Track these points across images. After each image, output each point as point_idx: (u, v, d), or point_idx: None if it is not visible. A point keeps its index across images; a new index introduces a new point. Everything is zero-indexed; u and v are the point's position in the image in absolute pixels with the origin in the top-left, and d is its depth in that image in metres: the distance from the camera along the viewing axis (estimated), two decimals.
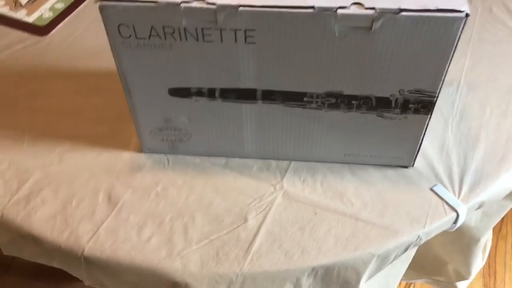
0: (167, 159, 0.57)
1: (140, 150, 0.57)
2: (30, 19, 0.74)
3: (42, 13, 0.75)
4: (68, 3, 0.77)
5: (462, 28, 0.41)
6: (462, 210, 0.52)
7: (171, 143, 0.56)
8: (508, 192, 0.57)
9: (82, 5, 0.77)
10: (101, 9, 0.43)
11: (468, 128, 0.59)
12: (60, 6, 0.76)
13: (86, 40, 0.71)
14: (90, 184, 0.54)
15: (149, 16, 0.43)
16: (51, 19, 0.74)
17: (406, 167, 0.56)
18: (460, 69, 0.66)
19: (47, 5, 0.76)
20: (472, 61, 0.67)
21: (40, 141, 0.58)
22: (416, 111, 0.49)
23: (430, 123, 0.51)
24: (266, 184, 0.54)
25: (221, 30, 0.44)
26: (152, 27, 0.44)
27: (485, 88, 0.63)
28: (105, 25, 0.44)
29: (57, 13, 0.75)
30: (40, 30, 0.72)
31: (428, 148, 0.57)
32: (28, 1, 0.77)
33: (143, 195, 0.53)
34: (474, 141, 0.58)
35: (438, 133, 0.59)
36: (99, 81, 0.65)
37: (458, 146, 0.57)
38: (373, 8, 0.41)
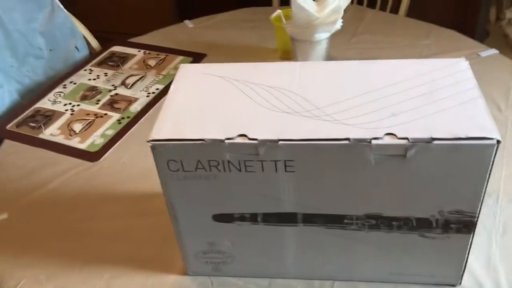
0: (211, 281, 0.58)
1: (185, 272, 0.59)
2: (83, 145, 0.80)
3: (94, 139, 0.81)
4: (118, 129, 0.83)
5: (495, 154, 0.43)
6: None
7: (215, 265, 0.57)
8: None
9: (130, 131, 0.83)
10: (153, 148, 0.47)
11: (511, 239, 0.58)
12: (111, 132, 0.83)
13: (134, 164, 0.76)
14: None
15: (196, 152, 0.47)
16: (102, 145, 0.80)
17: (453, 286, 0.55)
18: (497, 180, 0.66)
19: (99, 132, 0.83)
20: (509, 171, 0.67)
21: (89, 266, 0.61)
22: (458, 230, 0.49)
23: (473, 239, 0.50)
24: None
25: (262, 162, 0.46)
26: (198, 161, 0.47)
27: None
28: (155, 161, 0.48)
29: (107, 139, 0.81)
30: (92, 156, 0.78)
31: (474, 264, 0.56)
32: (81, 129, 0.84)
33: None
34: None
35: (483, 248, 0.58)
36: (147, 203, 0.68)
37: (504, 260, 0.56)
38: (406, 138, 0.43)
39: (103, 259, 0.61)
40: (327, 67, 0.54)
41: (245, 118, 0.48)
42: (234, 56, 0.99)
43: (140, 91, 0.93)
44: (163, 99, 0.86)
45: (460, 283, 0.54)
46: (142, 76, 0.97)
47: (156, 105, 0.88)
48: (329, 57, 0.89)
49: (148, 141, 0.46)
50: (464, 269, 0.53)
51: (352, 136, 0.44)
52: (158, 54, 1.04)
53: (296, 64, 0.55)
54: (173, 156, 0.47)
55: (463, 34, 1.04)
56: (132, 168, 0.75)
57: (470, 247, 0.51)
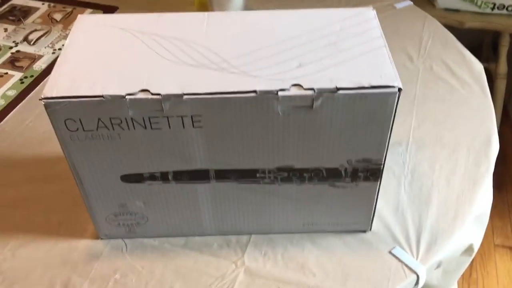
0: (125, 244, 0.56)
1: (97, 237, 0.56)
2: None
3: None
4: (20, 90, 0.77)
5: (397, 102, 0.44)
6: (422, 271, 0.52)
7: (128, 227, 0.55)
8: (464, 248, 0.58)
9: (34, 91, 0.77)
10: (47, 106, 0.43)
11: (420, 187, 0.61)
12: (12, 93, 0.77)
13: (39, 126, 0.71)
14: (45, 278, 0.52)
15: (95, 109, 0.44)
16: (2, 107, 0.74)
17: (364, 231, 0.56)
18: (408, 128, 0.68)
19: None
20: (418, 120, 0.70)
21: None
22: (366, 178, 0.50)
23: (383, 184, 0.52)
24: (227, 261, 0.54)
25: (168, 118, 0.44)
26: (99, 119, 0.44)
27: (433, 146, 0.66)
28: (51, 121, 0.44)
29: (9, 100, 0.75)
30: None
31: (384, 210, 0.58)
32: None
33: (101, 285, 0.52)
34: (427, 199, 0.59)
35: (392, 193, 0.60)
36: (53, 167, 0.64)
37: (412, 205, 0.59)
38: (311, 89, 0.43)
39: (6, 228, 0.58)
40: (236, 18, 0.52)
41: (147, 72, 0.45)
42: (149, 9, 0.94)
43: (45, 47, 0.86)
44: None
45: (370, 229, 0.56)
46: (47, 32, 0.90)
47: None
48: (249, 9, 0.87)
49: (40, 99, 0.43)
50: (373, 215, 0.55)
51: (258, 88, 0.43)
52: (64, 7, 0.97)
53: (203, 15, 0.52)
54: (70, 114, 0.44)
55: None
56: (36, 131, 0.70)
57: (377, 194, 0.52)
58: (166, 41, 0.48)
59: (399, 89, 0.43)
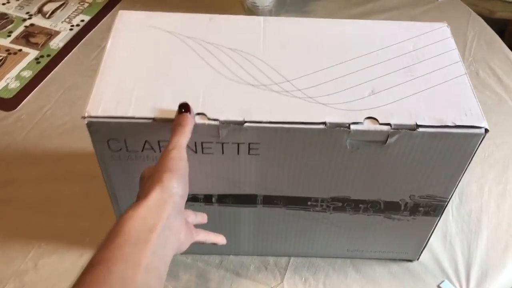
0: None
1: None
2: None
3: (8, 82, 0.69)
4: (37, 70, 0.71)
5: (481, 142, 0.39)
6: None
7: None
8: None
9: (52, 73, 0.71)
10: (89, 125, 0.38)
11: (468, 213, 0.57)
12: (28, 74, 0.71)
13: (58, 115, 0.65)
14: None
15: (144, 131, 0.39)
16: (18, 90, 0.68)
17: (411, 261, 0.53)
18: None
19: (13, 73, 0.70)
20: None
21: (11, 242, 0.53)
22: (426, 213, 0.46)
23: None
24: (265, 287, 0.50)
25: (222, 144, 0.40)
26: (146, 141, 0.40)
27: (481, 165, 0.62)
28: (92, 140, 0.39)
29: (24, 83, 0.69)
30: (7, 103, 0.66)
31: (431, 237, 0.55)
32: None
33: None
34: (476, 227, 0.56)
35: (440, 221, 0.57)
36: (75, 165, 0.60)
37: (461, 233, 0.55)
38: (388, 124, 0.38)
39: (26, 233, 0.53)
40: (294, 25, 0.46)
41: (202, 89, 0.40)
42: None
43: (62, 22, 0.79)
44: (90, 34, 0.75)
45: (418, 259, 0.53)
46: (63, 3, 0.83)
47: (83, 41, 0.76)
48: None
49: (83, 118, 0.38)
50: (425, 246, 0.51)
51: (329, 120, 0.38)
52: None
53: (258, 20, 0.46)
54: (115, 135, 0.39)
55: None
56: (56, 121, 0.65)
57: (435, 228, 0.49)
58: (220, 52, 0.43)
59: (486, 130, 0.38)
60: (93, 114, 0.38)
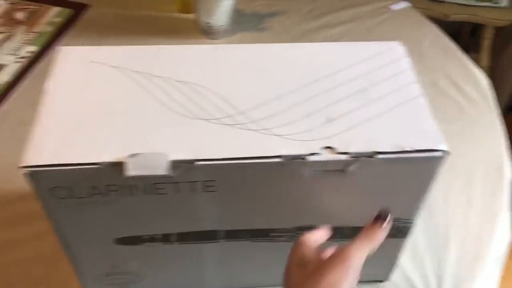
0: None
1: None
2: None
3: None
4: None
5: (442, 164, 0.38)
6: None
7: (120, 286, 0.49)
8: None
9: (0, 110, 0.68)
10: (31, 175, 0.35)
11: (436, 226, 0.57)
12: None
13: (2, 156, 0.62)
14: None
15: (90, 177, 0.36)
16: None
17: (381, 281, 0.52)
18: None
19: None
20: None
21: None
22: (393, 235, 0.45)
23: None
24: None
25: (176, 184, 0.38)
26: (93, 187, 0.37)
27: (447, 176, 0.62)
28: (33, 188, 0.37)
29: None
30: None
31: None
32: None
33: None
34: (444, 240, 0.55)
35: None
36: (24, 206, 0.56)
37: (429, 248, 0.55)
38: (346, 153, 0.37)
39: None
40: (246, 52, 0.45)
41: (150, 128, 0.38)
42: (124, 8, 0.84)
43: (7, 54, 0.76)
44: (38, 66, 0.72)
45: (389, 279, 0.52)
46: (9, 35, 0.80)
47: (30, 74, 0.73)
48: (237, 10, 0.79)
49: (20, 167, 0.35)
50: (394, 267, 0.50)
51: (284, 152, 0.37)
52: (28, 5, 0.86)
53: (210, 49, 0.45)
54: (59, 183, 0.37)
55: None
56: (5, 157, 0.61)
57: (402, 248, 0.48)
58: (168, 85, 0.41)
59: (445, 152, 0.38)
60: (33, 163, 0.35)
